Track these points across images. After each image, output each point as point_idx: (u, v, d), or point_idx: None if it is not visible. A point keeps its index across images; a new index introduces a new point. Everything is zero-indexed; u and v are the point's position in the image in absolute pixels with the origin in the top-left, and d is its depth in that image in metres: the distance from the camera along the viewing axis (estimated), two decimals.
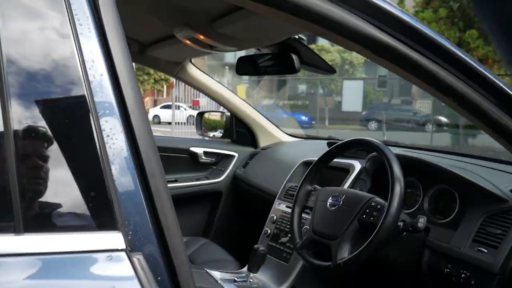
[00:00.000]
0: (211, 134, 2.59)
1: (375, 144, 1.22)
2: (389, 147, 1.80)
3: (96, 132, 0.51)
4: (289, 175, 1.78)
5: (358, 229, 1.15)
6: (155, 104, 19.54)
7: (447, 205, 1.29)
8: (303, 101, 17.08)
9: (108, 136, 0.52)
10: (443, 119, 12.87)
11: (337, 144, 1.39)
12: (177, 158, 2.22)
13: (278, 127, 2.43)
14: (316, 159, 1.47)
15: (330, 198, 1.26)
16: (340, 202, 1.23)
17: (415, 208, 1.38)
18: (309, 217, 1.43)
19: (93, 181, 0.52)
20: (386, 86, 19.72)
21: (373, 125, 14.49)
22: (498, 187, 1.16)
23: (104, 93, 0.53)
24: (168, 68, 2.06)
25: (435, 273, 1.18)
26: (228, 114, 2.36)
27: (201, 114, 2.52)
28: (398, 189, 1.08)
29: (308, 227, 1.34)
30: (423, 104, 16.11)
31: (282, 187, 1.76)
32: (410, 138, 11.50)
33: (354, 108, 14.86)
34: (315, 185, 1.41)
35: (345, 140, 1.37)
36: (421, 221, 1.08)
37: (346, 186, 1.54)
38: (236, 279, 1.53)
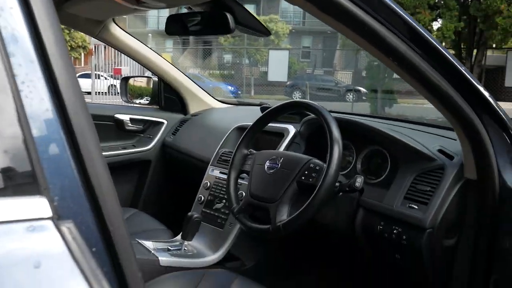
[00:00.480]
0: (138, 101, 2.45)
1: (313, 106, 1.20)
2: None
3: (8, 77, 0.42)
4: (222, 141, 1.74)
5: (297, 191, 1.14)
6: None
7: (379, 165, 1.33)
8: (228, 71, 16.94)
9: (23, 83, 0.42)
10: (362, 89, 13.51)
11: (274, 106, 1.36)
12: (101, 126, 2.07)
13: (208, 93, 2.35)
14: (250, 124, 1.43)
15: (268, 161, 1.24)
16: (278, 164, 1.21)
17: (348, 169, 1.40)
18: (244, 182, 1.40)
19: (6, 137, 0.43)
20: (310, 57, 20.20)
21: (297, 94, 14.82)
22: (426, 147, 1.21)
23: (15, 29, 0.43)
24: (88, 27, 1.87)
25: (368, 232, 1.21)
26: (156, 79, 2.24)
27: (125, 79, 2.37)
28: (336, 150, 1.08)
29: (244, 192, 1.31)
30: (344, 75, 16.76)
31: (215, 153, 1.71)
32: (332, 107, 11.91)
33: (279, 78, 15.04)
34: (251, 149, 1.38)
35: (282, 103, 1.34)
36: (359, 181, 1.10)
37: (281, 150, 1.53)
38: (169, 248, 1.47)
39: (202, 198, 1.64)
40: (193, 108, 2.27)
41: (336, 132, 1.10)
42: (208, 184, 1.64)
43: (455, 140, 1.31)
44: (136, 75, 2.49)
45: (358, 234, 1.25)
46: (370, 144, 1.36)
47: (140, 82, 2.65)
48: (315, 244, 1.65)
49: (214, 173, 1.66)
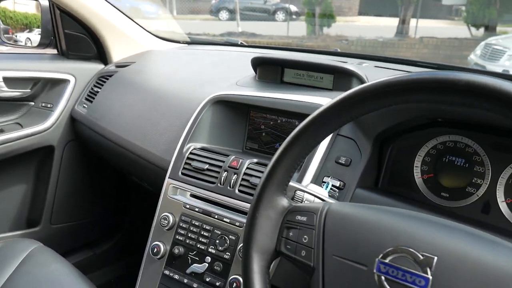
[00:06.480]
0: (22, 37, 1.52)
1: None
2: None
3: None
4: (187, 127, 0.90)
5: None
6: None
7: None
8: None
9: None
10: (294, 8, 12.80)
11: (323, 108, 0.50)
12: None
13: (143, 27, 1.44)
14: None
15: (380, 257, 0.45)
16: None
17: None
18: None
19: None
20: None
21: (224, 14, 13.76)
22: None
23: None
24: None
25: None
26: (45, 2, 1.29)
27: None
28: None
29: None
30: None
31: (176, 152, 0.89)
32: (264, 29, 11.05)
33: None
34: (293, 185, 0.58)
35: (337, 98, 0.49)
36: None
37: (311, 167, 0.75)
38: None
39: (161, 247, 0.83)
40: (117, 53, 1.37)
41: None
42: (171, 219, 0.84)
43: None
44: None
45: None
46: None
47: (25, 5, 1.68)
48: None
49: (179, 197, 0.85)
